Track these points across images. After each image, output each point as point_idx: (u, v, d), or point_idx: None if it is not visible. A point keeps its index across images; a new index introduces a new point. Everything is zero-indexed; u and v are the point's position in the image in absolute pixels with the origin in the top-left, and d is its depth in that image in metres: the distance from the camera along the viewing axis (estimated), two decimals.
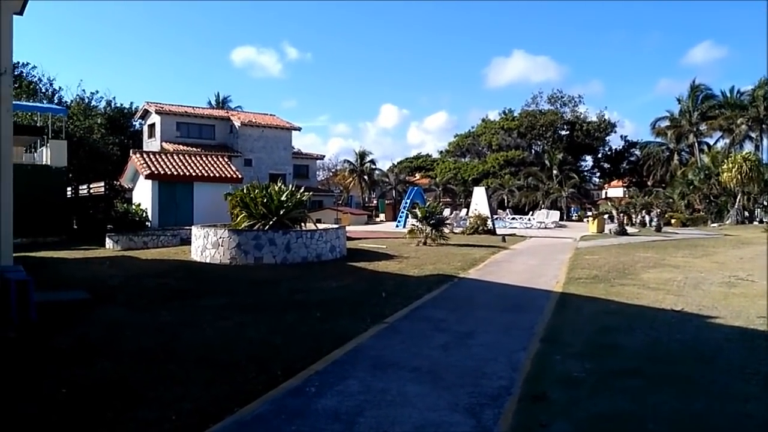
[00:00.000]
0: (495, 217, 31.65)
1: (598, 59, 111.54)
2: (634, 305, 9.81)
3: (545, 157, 57.06)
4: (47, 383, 5.51)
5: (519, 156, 57.82)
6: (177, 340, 7.24)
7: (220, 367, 6.11)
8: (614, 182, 67.87)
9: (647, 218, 35.31)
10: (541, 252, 19.58)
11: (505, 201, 52.58)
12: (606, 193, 71.87)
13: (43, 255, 17.31)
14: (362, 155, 58.37)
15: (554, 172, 54.44)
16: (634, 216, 40.49)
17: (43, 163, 25.11)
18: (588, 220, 35.49)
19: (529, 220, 37.66)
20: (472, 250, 19.18)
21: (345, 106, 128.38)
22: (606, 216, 34.79)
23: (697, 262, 16.03)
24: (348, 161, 59.77)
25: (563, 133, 61.89)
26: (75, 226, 26.03)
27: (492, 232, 28.01)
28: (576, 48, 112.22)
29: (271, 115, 45.27)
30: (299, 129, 43.99)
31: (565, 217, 47.92)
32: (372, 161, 59.47)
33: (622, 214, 32.93)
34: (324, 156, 56.32)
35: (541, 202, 50.56)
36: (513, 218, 39.59)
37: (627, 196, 57.15)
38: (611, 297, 10.52)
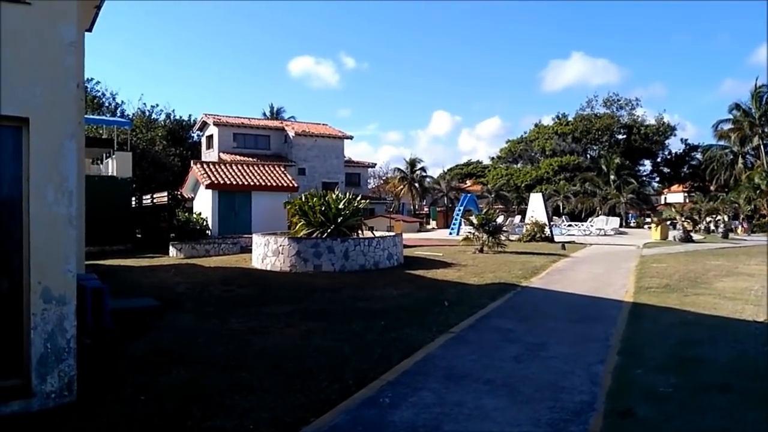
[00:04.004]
0: (551, 223, 30.96)
1: (660, 61, 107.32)
2: (712, 316, 9.36)
3: (602, 161, 55.53)
4: (127, 390, 5.60)
5: (574, 161, 56.46)
6: (247, 348, 7.29)
7: (292, 375, 6.10)
8: (674, 187, 65.47)
9: (736, 224, 33.47)
10: (604, 260, 18.99)
11: (561, 207, 51.40)
12: (665, 198, 69.37)
13: (111, 263, 17.91)
14: (413, 163, 58.16)
15: (611, 177, 52.89)
16: (699, 222, 38.89)
17: (110, 174, 26.07)
18: (649, 227, 34.31)
19: (588, 227, 36.65)
20: (531, 258, 18.78)
21: (397, 114, 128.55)
22: (669, 222, 33.59)
23: None
24: (399, 169, 59.70)
25: (620, 137, 60.19)
26: (139, 235, 26.88)
27: (550, 239, 27.40)
28: (638, 50, 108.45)
29: (323, 124, 45.80)
30: (351, 138, 44.33)
31: (624, 224, 46.45)
32: (423, 168, 59.17)
33: (686, 220, 31.65)
34: (375, 164, 56.55)
35: (598, 208, 49.16)
36: (570, 225, 38.61)
37: (689, 201, 55.01)
38: (687, 307, 10.06)
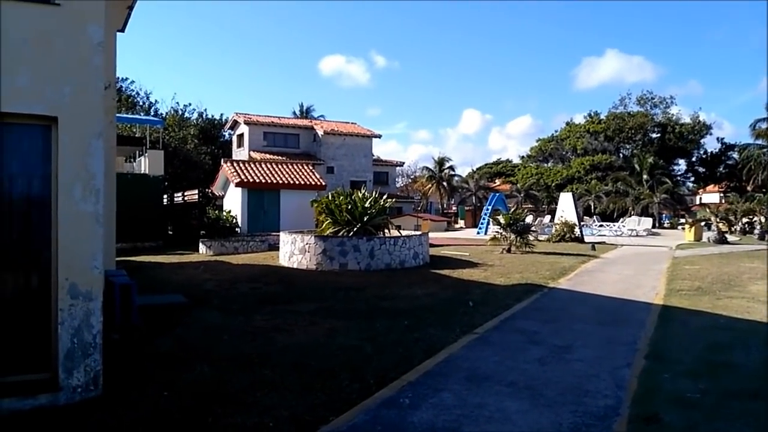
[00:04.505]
0: (582, 224, 30.51)
1: (697, 58, 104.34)
2: (745, 320, 9.10)
3: (634, 161, 54.49)
4: (151, 386, 5.69)
5: (606, 160, 55.55)
6: (271, 345, 7.35)
7: (313, 374, 6.13)
8: (710, 187, 63.92)
9: None
10: (635, 261, 18.63)
11: (592, 207, 50.62)
12: (700, 198, 67.77)
13: (142, 259, 18.24)
14: (441, 162, 57.89)
15: (644, 176, 51.86)
16: (734, 223, 37.86)
17: (142, 172, 26.57)
18: (683, 228, 33.59)
19: (619, 227, 36.01)
20: (560, 259, 18.53)
21: (427, 112, 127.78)
22: (703, 223, 32.79)
23: None
24: (427, 168, 59.50)
25: (654, 136, 59.00)
26: (170, 232, 27.32)
27: (580, 239, 27.00)
28: (674, 47, 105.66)
29: (352, 123, 45.93)
30: (379, 136, 44.40)
31: (657, 225, 45.51)
32: (451, 167, 58.83)
33: (721, 221, 30.85)
34: (403, 163, 56.45)
35: (630, 208, 48.26)
36: (601, 225, 37.98)
37: (725, 201, 53.63)
38: (718, 311, 9.81)
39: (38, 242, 5.19)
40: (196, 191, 28.03)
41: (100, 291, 5.36)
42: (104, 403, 5.15)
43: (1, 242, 5.05)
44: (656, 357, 6.82)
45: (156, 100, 48.56)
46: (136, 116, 38.23)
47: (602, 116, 61.01)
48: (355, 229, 17.11)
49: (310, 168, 30.02)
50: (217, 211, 26.48)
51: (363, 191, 18.74)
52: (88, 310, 5.22)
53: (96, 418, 4.84)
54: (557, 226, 28.26)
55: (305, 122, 46.34)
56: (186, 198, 29.45)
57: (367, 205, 17.64)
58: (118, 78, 43.51)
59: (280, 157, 36.81)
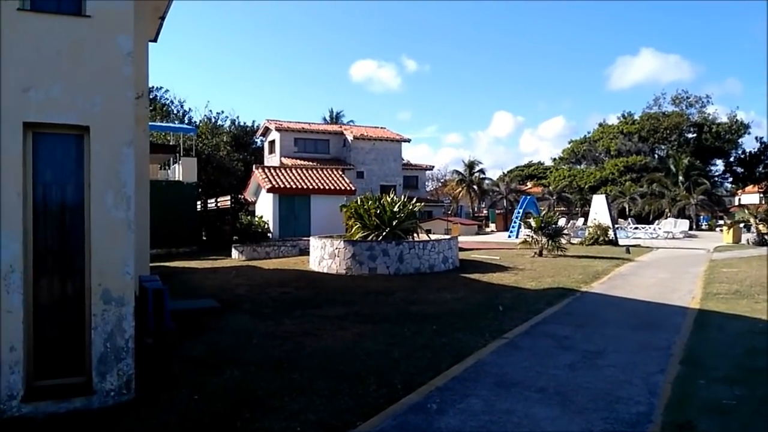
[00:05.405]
0: (616, 226, 29.96)
1: (736, 55, 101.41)
2: None
3: (670, 162, 53.34)
4: (182, 390, 5.78)
5: (641, 161, 54.51)
6: (300, 350, 7.40)
7: (341, 378, 6.14)
8: (749, 188, 62.07)
9: None
10: (671, 264, 18.20)
11: (626, 209, 49.69)
12: (739, 199, 65.84)
13: (177, 264, 18.57)
14: (471, 165, 57.56)
15: (680, 178, 50.73)
16: None
17: (176, 179, 27.06)
18: (721, 230, 32.69)
19: (655, 229, 35.25)
20: (593, 262, 18.22)
21: (457, 115, 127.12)
22: (742, 225, 31.85)
23: None
24: (457, 171, 59.22)
25: (690, 136, 57.72)
26: (204, 238, 27.74)
27: (614, 242, 26.51)
28: (712, 44, 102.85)
29: (381, 128, 46.01)
30: (409, 141, 44.39)
31: (694, 227, 44.42)
32: (481, 170, 58.46)
33: (761, 223, 29.90)
34: (433, 167, 56.21)
35: (666, 210, 47.22)
36: (636, 228, 37.25)
37: (765, 202, 51.99)
38: (757, 315, 9.52)
39: (72, 249, 5.32)
40: (229, 197, 28.39)
41: (132, 296, 5.47)
42: (136, 407, 5.25)
43: (37, 249, 5.19)
44: (691, 362, 6.65)
45: (190, 109, 49.37)
46: (170, 124, 38.93)
47: (636, 117, 60.00)
48: (384, 233, 17.13)
49: (340, 173, 30.18)
50: (249, 217, 26.77)
51: (392, 195, 18.75)
52: (120, 315, 5.33)
53: (127, 422, 4.94)
54: (590, 229, 27.81)
55: (335, 128, 46.60)
56: (219, 204, 29.87)
57: (395, 209, 17.64)
58: (153, 87, 44.48)
59: (310, 163, 37.09)
